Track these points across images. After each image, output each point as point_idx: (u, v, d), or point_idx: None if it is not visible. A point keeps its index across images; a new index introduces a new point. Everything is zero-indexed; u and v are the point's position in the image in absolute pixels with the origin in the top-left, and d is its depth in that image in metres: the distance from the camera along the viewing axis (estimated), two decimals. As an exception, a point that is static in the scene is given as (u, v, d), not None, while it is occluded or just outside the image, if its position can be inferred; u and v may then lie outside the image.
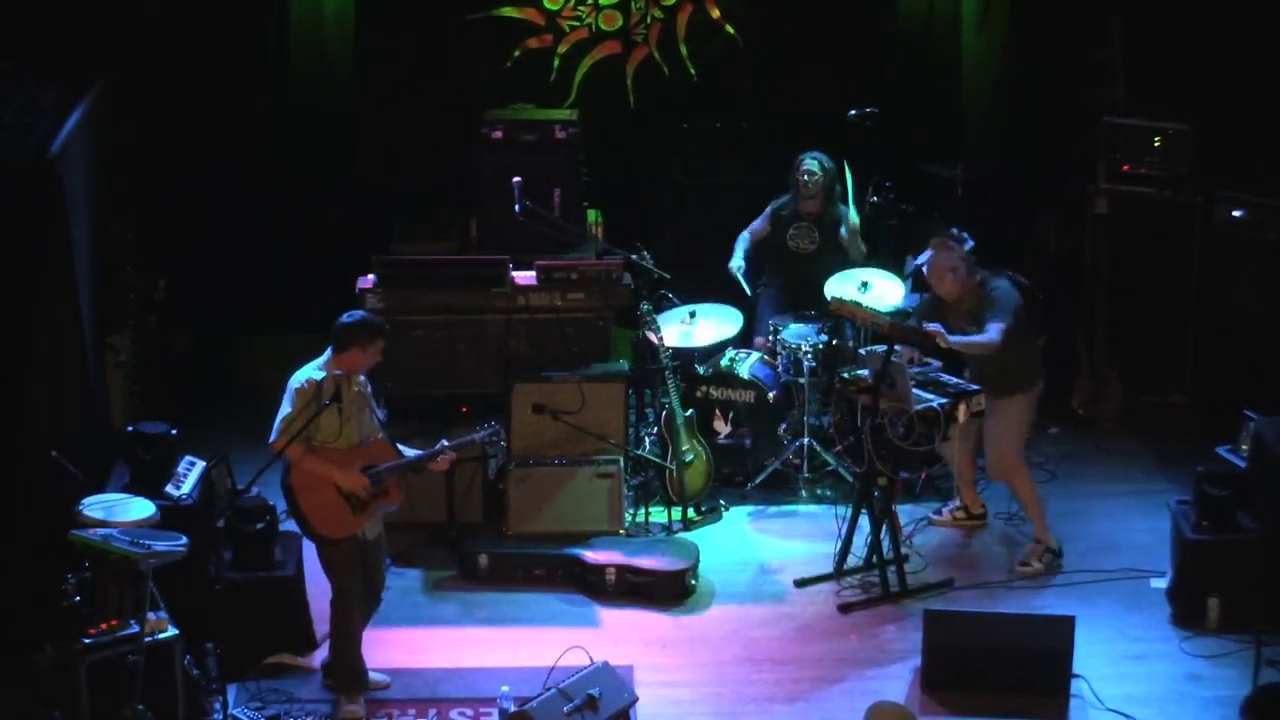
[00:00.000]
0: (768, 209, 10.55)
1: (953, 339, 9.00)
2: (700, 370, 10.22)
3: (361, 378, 8.04)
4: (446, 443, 8.25)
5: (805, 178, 10.34)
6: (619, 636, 8.73)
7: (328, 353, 7.97)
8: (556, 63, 11.58)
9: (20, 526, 8.25)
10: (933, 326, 9.03)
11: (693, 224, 11.36)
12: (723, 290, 10.59)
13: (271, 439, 7.87)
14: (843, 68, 11.46)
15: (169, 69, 10.80)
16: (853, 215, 10.33)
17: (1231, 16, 10.79)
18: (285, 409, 7.86)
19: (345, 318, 8.03)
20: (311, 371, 7.92)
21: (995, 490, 9.75)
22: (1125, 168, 10.88)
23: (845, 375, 9.24)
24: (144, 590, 7.40)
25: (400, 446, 8.17)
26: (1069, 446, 10.66)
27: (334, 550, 7.98)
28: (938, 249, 9.19)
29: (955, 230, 9.29)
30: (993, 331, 8.96)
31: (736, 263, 10.42)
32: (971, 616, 8.45)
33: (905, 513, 9.63)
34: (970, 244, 9.23)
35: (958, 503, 9.80)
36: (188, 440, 8.92)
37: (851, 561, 9.24)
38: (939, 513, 9.83)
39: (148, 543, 7.42)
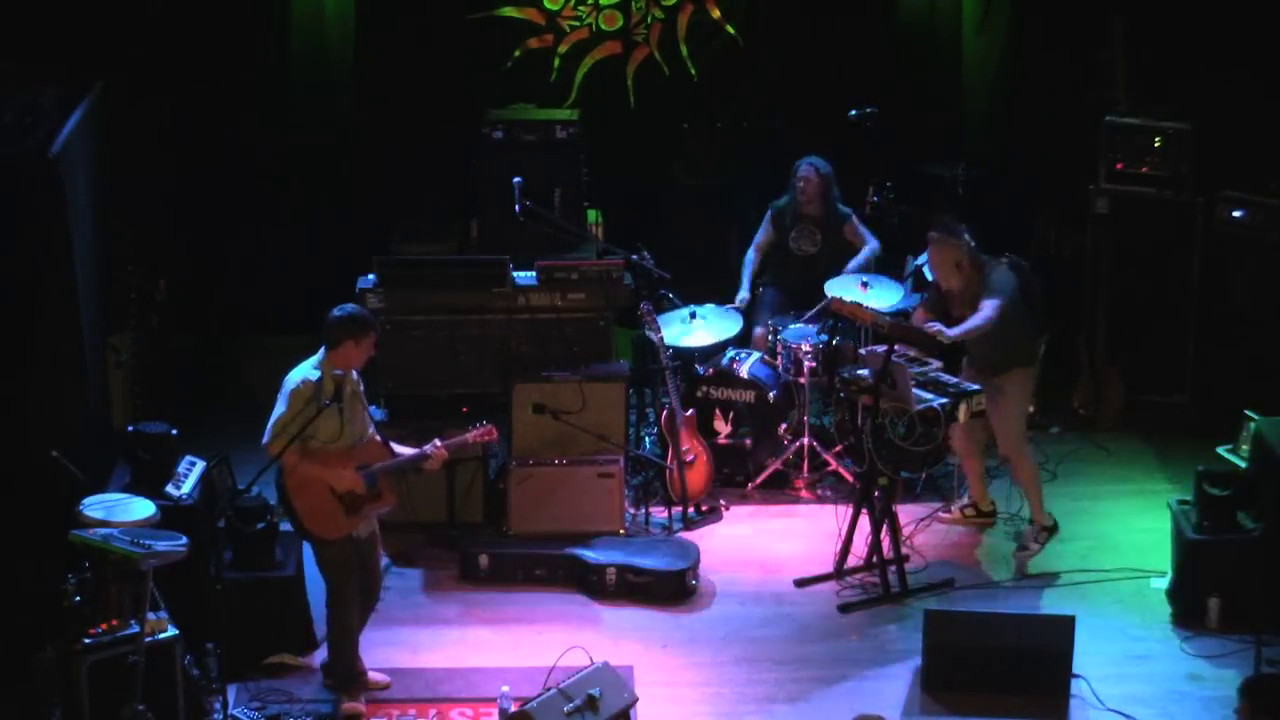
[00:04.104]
0: (768, 212, 10.56)
1: (951, 332, 9.01)
2: (700, 370, 10.22)
3: (355, 375, 8.03)
4: (439, 442, 8.24)
5: (801, 184, 10.37)
6: (619, 636, 8.73)
7: (321, 351, 7.94)
8: (557, 63, 11.59)
9: (20, 526, 8.25)
10: (932, 326, 9.03)
11: (693, 224, 11.37)
12: (722, 291, 10.60)
13: (264, 440, 7.85)
14: (843, 67, 11.47)
15: (169, 69, 10.80)
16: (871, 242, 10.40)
17: (1232, 16, 10.79)
18: (280, 409, 7.83)
19: (336, 311, 7.98)
20: (307, 371, 7.90)
21: (1001, 488, 9.78)
22: (1121, 166, 10.86)
23: (845, 375, 9.25)
24: (144, 590, 7.40)
25: (393, 445, 8.17)
26: (1069, 446, 10.66)
27: (329, 550, 7.98)
28: (938, 245, 9.20)
29: (950, 223, 9.26)
30: (987, 308, 8.98)
31: (743, 295, 10.47)
32: (972, 616, 8.45)
33: (906, 512, 9.63)
34: (965, 236, 9.20)
35: (966, 499, 9.81)
36: (188, 440, 8.91)
37: (852, 562, 9.25)
38: (947, 509, 9.85)
39: (148, 543, 7.42)
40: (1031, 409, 9.88)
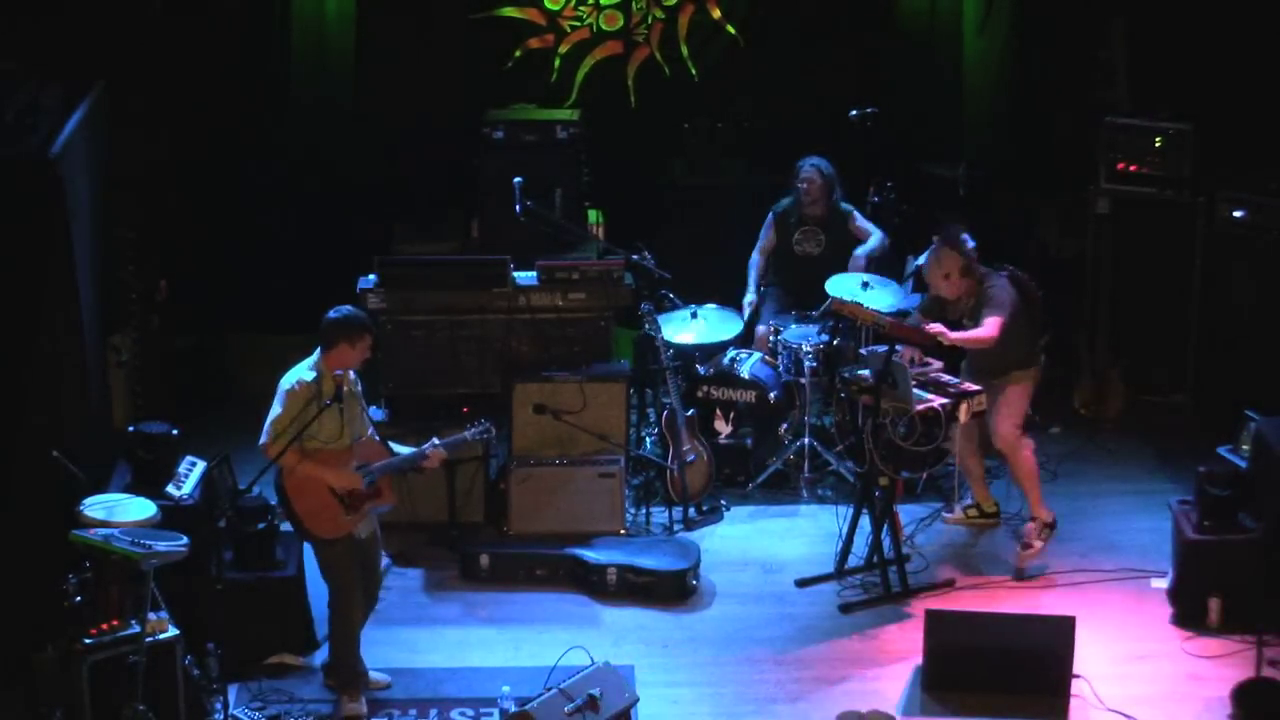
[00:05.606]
0: (770, 215, 10.56)
1: (952, 335, 9.04)
2: (701, 370, 10.22)
3: (353, 375, 8.03)
4: (438, 441, 8.24)
5: (804, 185, 10.38)
6: (620, 636, 8.73)
7: (317, 353, 7.94)
8: (558, 63, 11.58)
9: (21, 526, 8.25)
10: (934, 326, 9.05)
11: (693, 224, 11.37)
12: (724, 291, 10.60)
13: (261, 441, 7.84)
14: (844, 68, 11.47)
15: (170, 69, 10.79)
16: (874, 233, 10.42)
17: (1234, 16, 10.79)
18: (276, 411, 7.83)
19: (332, 313, 7.98)
20: (302, 373, 7.90)
21: (1002, 488, 9.78)
22: (1122, 167, 10.87)
23: (846, 375, 9.25)
24: (145, 590, 7.40)
25: (392, 445, 8.16)
26: (1070, 446, 10.66)
27: (330, 550, 7.98)
28: (933, 252, 9.21)
29: (955, 230, 9.27)
30: (988, 325, 9.02)
31: (750, 298, 10.48)
32: (972, 616, 8.45)
33: (906, 512, 9.63)
34: (971, 243, 9.23)
35: (970, 500, 9.80)
36: (189, 440, 8.93)
37: (852, 561, 9.25)
38: (950, 510, 9.84)
39: (149, 543, 7.42)
40: (1028, 411, 9.86)
